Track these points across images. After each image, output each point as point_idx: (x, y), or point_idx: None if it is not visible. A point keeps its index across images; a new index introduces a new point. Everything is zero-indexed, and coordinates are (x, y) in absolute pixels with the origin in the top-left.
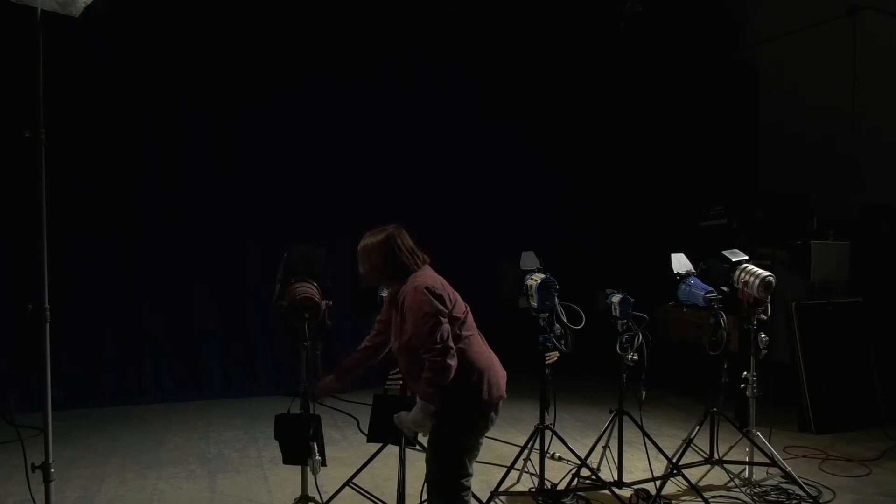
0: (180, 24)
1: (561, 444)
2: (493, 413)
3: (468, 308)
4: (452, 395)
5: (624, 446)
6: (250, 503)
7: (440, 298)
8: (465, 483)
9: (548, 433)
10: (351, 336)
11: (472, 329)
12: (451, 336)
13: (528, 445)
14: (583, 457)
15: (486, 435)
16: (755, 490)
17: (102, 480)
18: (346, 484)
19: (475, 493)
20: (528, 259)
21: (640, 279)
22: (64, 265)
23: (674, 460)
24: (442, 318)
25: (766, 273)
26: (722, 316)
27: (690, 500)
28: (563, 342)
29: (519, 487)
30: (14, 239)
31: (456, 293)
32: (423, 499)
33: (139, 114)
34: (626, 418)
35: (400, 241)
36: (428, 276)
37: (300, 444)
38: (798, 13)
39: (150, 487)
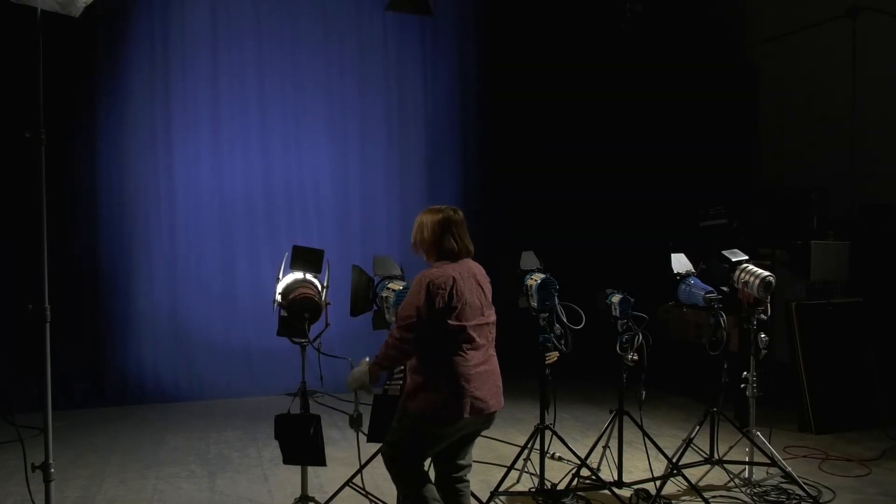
0: None
1: (561, 444)
2: (449, 428)
3: (488, 322)
4: (423, 398)
5: (624, 446)
6: (250, 503)
7: (430, 300)
8: (416, 482)
9: (548, 433)
10: (350, 336)
11: (474, 344)
12: (412, 329)
13: (528, 445)
14: (583, 457)
15: (487, 435)
16: (755, 490)
17: (102, 480)
18: (346, 484)
19: (475, 493)
20: (528, 259)
21: (640, 279)
22: (64, 265)
23: (674, 460)
24: (419, 322)
25: (766, 273)
26: (722, 316)
27: (690, 500)
28: (563, 342)
29: (519, 487)
30: (14, 239)
31: (479, 301)
32: None
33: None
34: (626, 418)
35: (454, 224)
36: (449, 270)
37: (303, 444)
38: (798, 13)
39: (150, 487)
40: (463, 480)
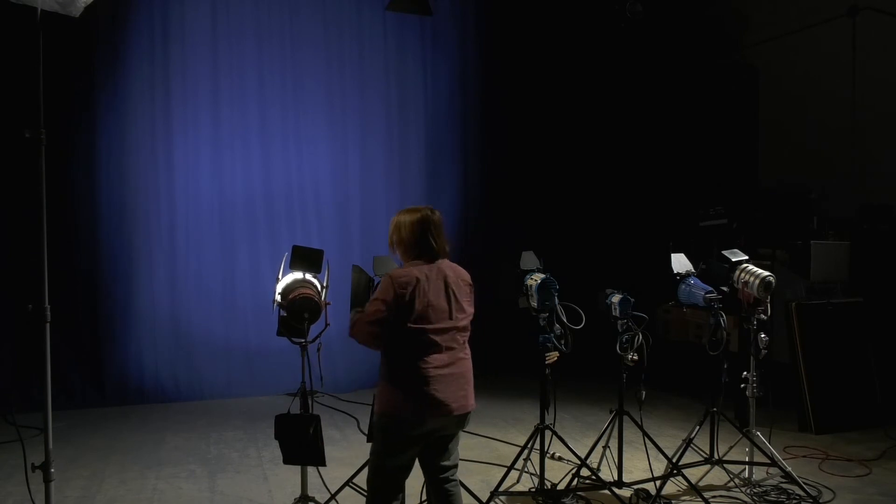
0: None
1: (561, 444)
2: (412, 430)
3: (456, 327)
4: (385, 399)
5: (624, 446)
6: (250, 503)
7: (396, 297)
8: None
9: (548, 433)
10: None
11: (437, 347)
12: (379, 323)
13: (528, 445)
14: (583, 457)
15: (487, 435)
16: (755, 490)
17: (102, 480)
18: (346, 484)
19: (475, 492)
20: (528, 259)
21: (640, 279)
22: (64, 265)
23: (674, 460)
24: (387, 317)
25: (766, 273)
26: (722, 316)
27: (690, 500)
28: (563, 342)
29: (519, 487)
30: (14, 239)
31: (447, 304)
32: (422, 499)
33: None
34: (626, 418)
35: (432, 224)
36: (414, 271)
37: (303, 445)
38: (798, 13)
39: (150, 487)
40: (450, 481)
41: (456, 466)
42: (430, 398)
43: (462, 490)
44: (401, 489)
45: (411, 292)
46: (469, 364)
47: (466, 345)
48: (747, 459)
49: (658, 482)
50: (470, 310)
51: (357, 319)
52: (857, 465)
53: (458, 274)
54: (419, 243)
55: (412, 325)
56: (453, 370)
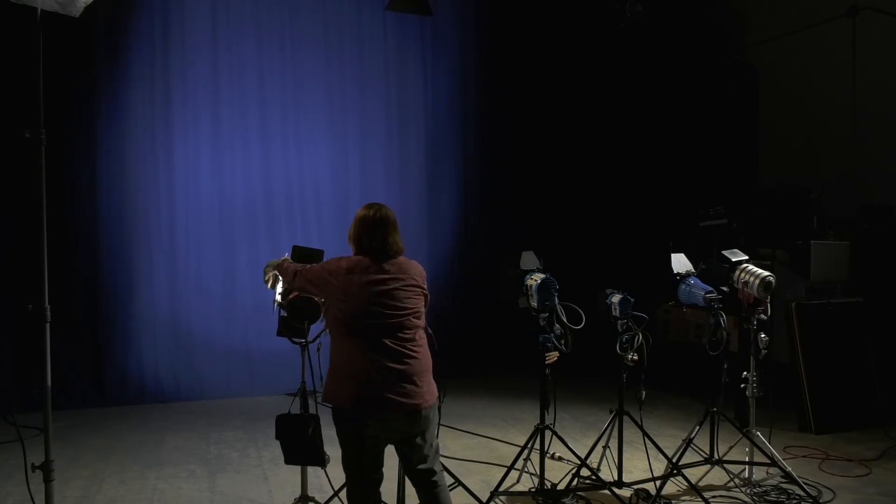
0: None
1: (561, 444)
2: (353, 420)
3: (390, 324)
4: (328, 388)
5: (624, 446)
6: (250, 503)
7: (321, 275)
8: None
9: (548, 433)
10: None
11: (370, 341)
12: (299, 280)
13: (528, 445)
14: (583, 457)
15: (487, 435)
16: (755, 490)
17: (102, 480)
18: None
19: (475, 492)
20: (528, 259)
21: (640, 279)
22: (64, 265)
23: (674, 460)
24: (306, 280)
25: (766, 273)
26: (722, 316)
27: (690, 500)
28: (563, 342)
29: (519, 487)
30: (14, 239)
31: (380, 301)
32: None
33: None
34: (626, 418)
35: (375, 223)
36: (343, 263)
37: (302, 445)
38: (798, 13)
39: (150, 487)
40: (432, 483)
41: (431, 469)
42: (359, 393)
43: (453, 490)
44: (370, 483)
45: (334, 281)
46: (417, 363)
47: (417, 343)
48: (747, 459)
49: (658, 482)
50: (412, 307)
51: (303, 272)
52: (857, 465)
53: (403, 270)
54: (365, 239)
55: (340, 317)
56: (396, 365)
